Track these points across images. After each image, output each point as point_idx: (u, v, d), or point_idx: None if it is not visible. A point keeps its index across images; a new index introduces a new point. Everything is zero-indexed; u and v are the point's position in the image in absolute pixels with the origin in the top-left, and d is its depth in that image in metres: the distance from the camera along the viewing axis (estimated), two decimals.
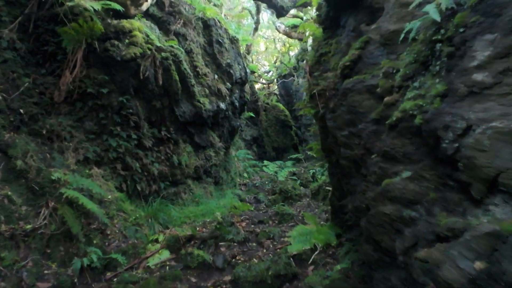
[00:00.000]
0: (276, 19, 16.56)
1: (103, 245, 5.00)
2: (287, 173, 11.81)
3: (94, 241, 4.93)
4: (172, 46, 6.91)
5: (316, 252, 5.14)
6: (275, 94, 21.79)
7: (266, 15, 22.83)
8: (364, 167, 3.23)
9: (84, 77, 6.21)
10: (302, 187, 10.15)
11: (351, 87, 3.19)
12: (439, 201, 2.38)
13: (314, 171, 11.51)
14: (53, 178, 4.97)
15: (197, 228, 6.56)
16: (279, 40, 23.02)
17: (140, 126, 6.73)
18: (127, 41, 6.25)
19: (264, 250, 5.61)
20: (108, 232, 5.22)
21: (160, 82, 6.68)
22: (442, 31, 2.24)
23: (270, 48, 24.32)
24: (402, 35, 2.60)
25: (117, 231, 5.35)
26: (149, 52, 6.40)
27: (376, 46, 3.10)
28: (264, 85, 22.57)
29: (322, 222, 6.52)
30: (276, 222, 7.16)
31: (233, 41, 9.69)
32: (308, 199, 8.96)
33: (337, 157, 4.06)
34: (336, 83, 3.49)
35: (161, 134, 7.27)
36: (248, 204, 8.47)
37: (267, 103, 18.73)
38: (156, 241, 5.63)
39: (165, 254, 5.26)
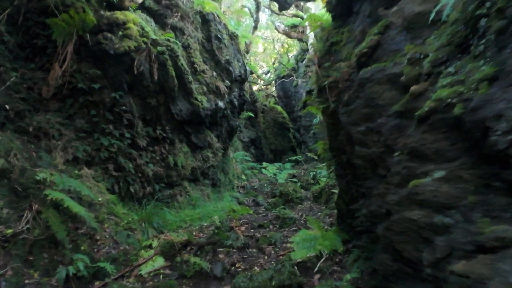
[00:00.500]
0: (275, 19, 16.31)
1: (91, 251, 4.61)
2: (286, 175, 11.46)
3: (82, 248, 4.54)
4: (168, 40, 6.55)
5: (322, 260, 4.78)
6: (273, 96, 21.54)
7: (264, 16, 22.62)
8: (383, 167, 2.88)
9: (75, 71, 5.89)
10: (302, 190, 9.80)
11: (369, 77, 2.84)
12: (480, 205, 2.04)
13: (314, 173, 11.17)
14: (38, 178, 4.58)
15: (194, 233, 6.18)
16: (278, 40, 22.77)
17: (134, 124, 6.36)
18: (120, 33, 5.89)
19: (266, 257, 5.24)
20: (98, 238, 4.83)
21: (156, 78, 6.31)
22: (488, 4, 1.90)
23: (269, 49, 24.06)
24: (433, 15, 2.26)
25: (107, 236, 4.96)
26: (144, 45, 6.04)
27: (398, 31, 2.76)
28: (262, 87, 22.31)
29: (326, 227, 6.17)
30: (277, 226, 6.80)
31: (233, 37, 9.32)
32: (309, 202, 8.61)
33: (348, 156, 3.71)
34: (351, 73, 3.14)
35: (156, 133, 6.90)
36: (247, 207, 8.13)
37: (265, 105, 18.44)
38: (150, 247, 5.26)
39: (159, 262, 4.88)
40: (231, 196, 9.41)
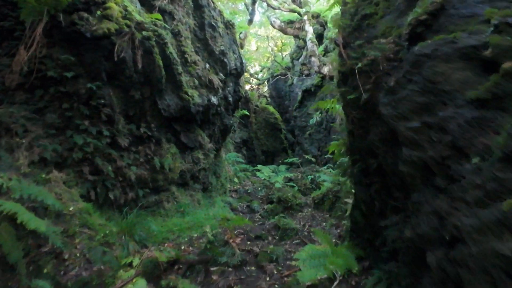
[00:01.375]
0: (271, 14, 15.56)
1: (56, 274, 3.76)
2: (283, 179, 10.69)
3: (45, 270, 3.69)
4: (156, 24, 5.70)
5: (335, 283, 4.03)
6: (264, 96, 20.85)
7: (258, 14, 21.92)
8: (443, 177, 2.13)
9: (45, 57, 5.09)
10: (301, 195, 9.03)
11: (431, 53, 2.10)
12: None
13: (312, 176, 10.44)
14: None
15: (182, 247, 5.38)
16: (272, 38, 22.06)
17: (114, 120, 5.51)
18: (99, 13, 5.05)
19: (268, 278, 4.48)
20: (66, 257, 3.98)
21: (140, 67, 5.47)
22: None
23: (262, 47, 23.33)
24: None
25: (78, 255, 4.10)
26: (126, 28, 5.21)
27: None
28: (253, 87, 21.61)
29: (334, 240, 5.42)
30: (277, 238, 6.04)
31: (228, 26, 8.49)
32: (310, 210, 7.87)
33: (380, 161, 2.96)
34: (398, 50, 2.40)
35: (140, 131, 6.05)
36: (242, 215, 7.35)
37: (257, 105, 17.71)
38: (130, 265, 4.43)
39: (141, 285, 4.05)
40: (223, 202, 8.60)
